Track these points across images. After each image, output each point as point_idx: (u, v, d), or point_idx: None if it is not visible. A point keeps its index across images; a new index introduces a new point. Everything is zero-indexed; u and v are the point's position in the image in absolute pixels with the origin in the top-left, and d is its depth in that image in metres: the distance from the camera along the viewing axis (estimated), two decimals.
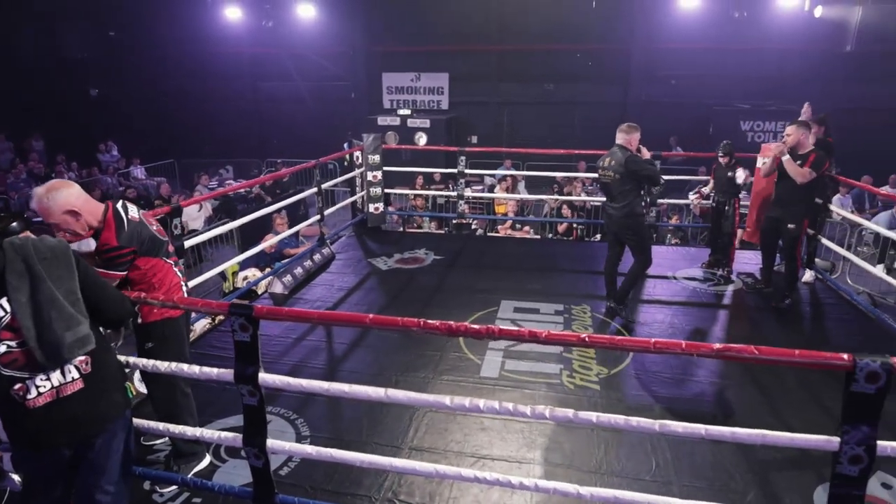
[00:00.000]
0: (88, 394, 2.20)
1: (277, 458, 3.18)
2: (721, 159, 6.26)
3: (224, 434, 2.72)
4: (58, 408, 2.15)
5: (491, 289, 5.90)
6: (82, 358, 2.18)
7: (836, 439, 1.92)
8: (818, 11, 12.37)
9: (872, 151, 12.29)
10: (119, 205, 2.81)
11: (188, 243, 4.75)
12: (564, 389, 4.11)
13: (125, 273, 2.79)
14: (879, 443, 1.90)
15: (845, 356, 1.83)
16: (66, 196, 2.60)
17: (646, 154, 5.20)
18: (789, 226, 5.33)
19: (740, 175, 6.13)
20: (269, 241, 6.16)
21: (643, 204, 5.47)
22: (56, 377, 2.14)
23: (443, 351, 4.58)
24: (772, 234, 5.61)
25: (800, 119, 5.51)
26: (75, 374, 2.18)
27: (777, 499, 3.05)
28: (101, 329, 2.36)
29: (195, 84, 17.07)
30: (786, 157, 5.17)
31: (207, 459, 3.24)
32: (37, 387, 2.10)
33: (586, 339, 1.90)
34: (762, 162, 6.45)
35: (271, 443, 2.51)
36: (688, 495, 2.58)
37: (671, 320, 5.30)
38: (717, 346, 1.85)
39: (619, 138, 5.05)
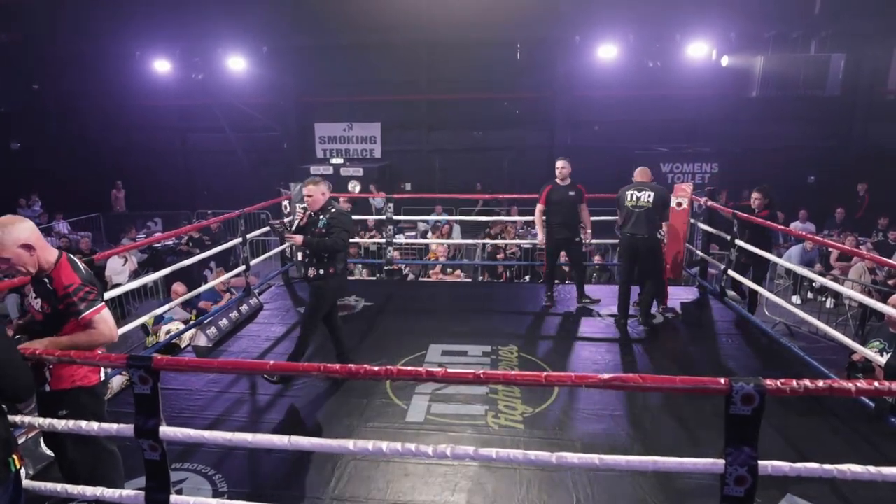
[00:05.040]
0: None
1: None
2: None
3: (126, 492, 2.61)
4: None
5: (419, 333, 5.91)
6: None
7: (721, 462, 2.01)
8: (724, 61, 13.31)
9: (781, 188, 13.04)
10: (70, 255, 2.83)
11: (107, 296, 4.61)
12: (489, 430, 4.13)
13: (104, 304, 2.74)
14: (760, 462, 2.00)
15: (722, 380, 1.94)
16: (21, 230, 2.58)
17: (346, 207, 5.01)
18: None
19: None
20: (184, 297, 6.02)
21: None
22: None
23: (369, 397, 4.54)
24: None
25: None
26: None
27: None
28: None
29: (123, 137, 16.77)
30: None
31: None
32: None
33: (481, 375, 1.96)
34: (676, 202, 6.80)
35: (175, 499, 2.43)
36: None
37: (595, 356, 5.43)
38: (605, 376, 1.93)
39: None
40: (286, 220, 4.76)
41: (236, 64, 14.49)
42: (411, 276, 9.78)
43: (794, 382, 1.90)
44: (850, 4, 13.14)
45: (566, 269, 8.82)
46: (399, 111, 16.04)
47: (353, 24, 14.41)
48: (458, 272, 9.94)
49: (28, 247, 2.59)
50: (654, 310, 6.24)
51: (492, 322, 6.38)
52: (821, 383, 1.90)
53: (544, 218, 6.55)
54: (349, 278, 9.22)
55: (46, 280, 2.68)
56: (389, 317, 6.58)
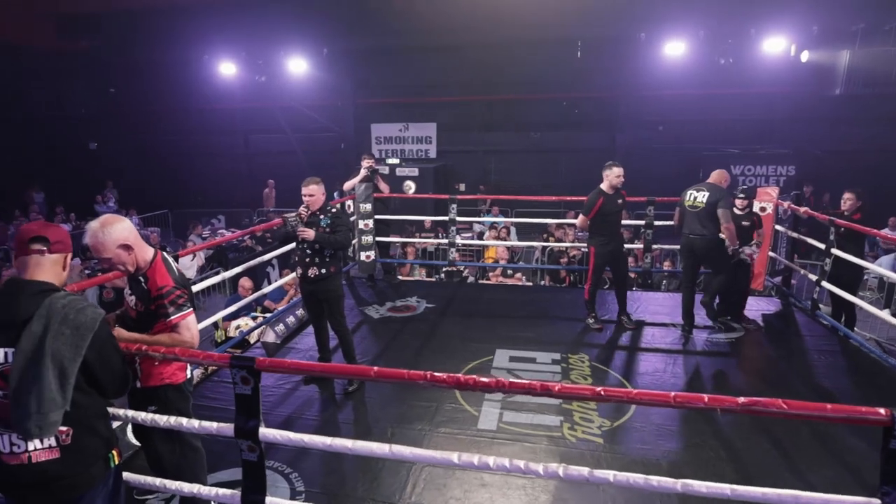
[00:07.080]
0: (62, 465, 2.09)
1: None
2: (739, 202, 6.02)
3: (222, 491, 2.59)
4: (27, 472, 2.05)
5: (484, 337, 5.75)
6: (64, 429, 2.06)
7: (877, 502, 1.77)
8: (804, 56, 12.40)
9: (867, 193, 12.31)
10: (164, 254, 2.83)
11: None
12: (566, 443, 3.94)
13: (192, 309, 2.77)
14: None
15: (882, 411, 1.70)
16: (119, 230, 2.60)
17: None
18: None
19: (747, 250, 6.02)
20: (256, 294, 6.05)
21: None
22: (33, 441, 2.03)
23: (438, 402, 4.42)
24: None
25: None
26: (52, 443, 2.07)
27: None
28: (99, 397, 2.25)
29: (189, 138, 17.31)
30: None
31: None
32: (11, 444, 2.03)
33: (601, 392, 1.78)
34: (759, 206, 6.43)
35: (270, 501, 2.37)
36: None
37: (673, 369, 5.17)
38: (742, 399, 1.73)
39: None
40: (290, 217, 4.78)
41: (298, 66, 14.56)
42: (471, 279, 9.62)
43: None
44: None
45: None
46: (455, 112, 15.92)
47: (411, 25, 14.26)
48: (517, 275, 9.73)
49: (127, 247, 2.61)
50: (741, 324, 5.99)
51: (557, 328, 6.16)
52: None
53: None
54: (408, 279, 9.15)
55: (142, 279, 2.69)
56: (452, 319, 6.43)
